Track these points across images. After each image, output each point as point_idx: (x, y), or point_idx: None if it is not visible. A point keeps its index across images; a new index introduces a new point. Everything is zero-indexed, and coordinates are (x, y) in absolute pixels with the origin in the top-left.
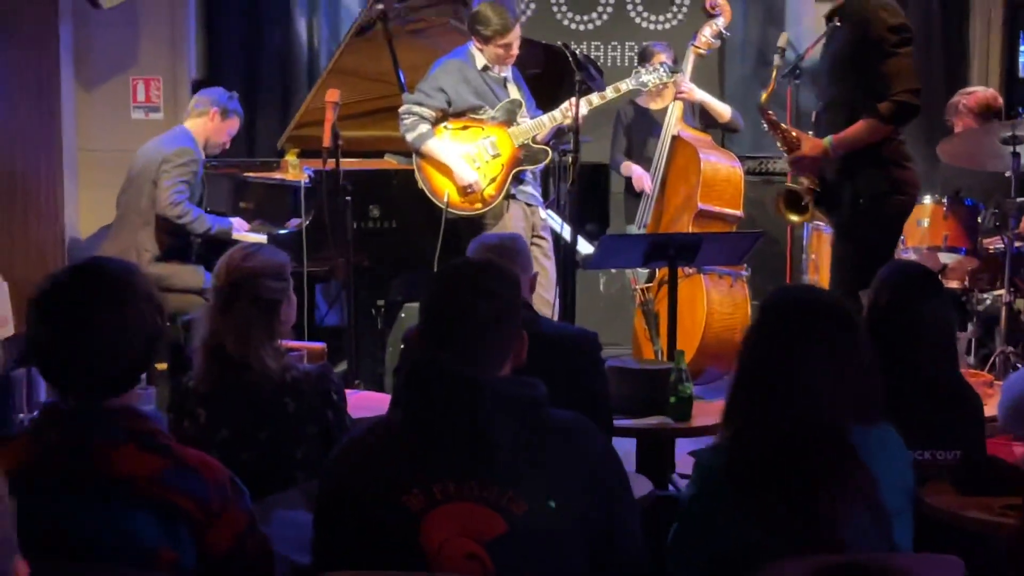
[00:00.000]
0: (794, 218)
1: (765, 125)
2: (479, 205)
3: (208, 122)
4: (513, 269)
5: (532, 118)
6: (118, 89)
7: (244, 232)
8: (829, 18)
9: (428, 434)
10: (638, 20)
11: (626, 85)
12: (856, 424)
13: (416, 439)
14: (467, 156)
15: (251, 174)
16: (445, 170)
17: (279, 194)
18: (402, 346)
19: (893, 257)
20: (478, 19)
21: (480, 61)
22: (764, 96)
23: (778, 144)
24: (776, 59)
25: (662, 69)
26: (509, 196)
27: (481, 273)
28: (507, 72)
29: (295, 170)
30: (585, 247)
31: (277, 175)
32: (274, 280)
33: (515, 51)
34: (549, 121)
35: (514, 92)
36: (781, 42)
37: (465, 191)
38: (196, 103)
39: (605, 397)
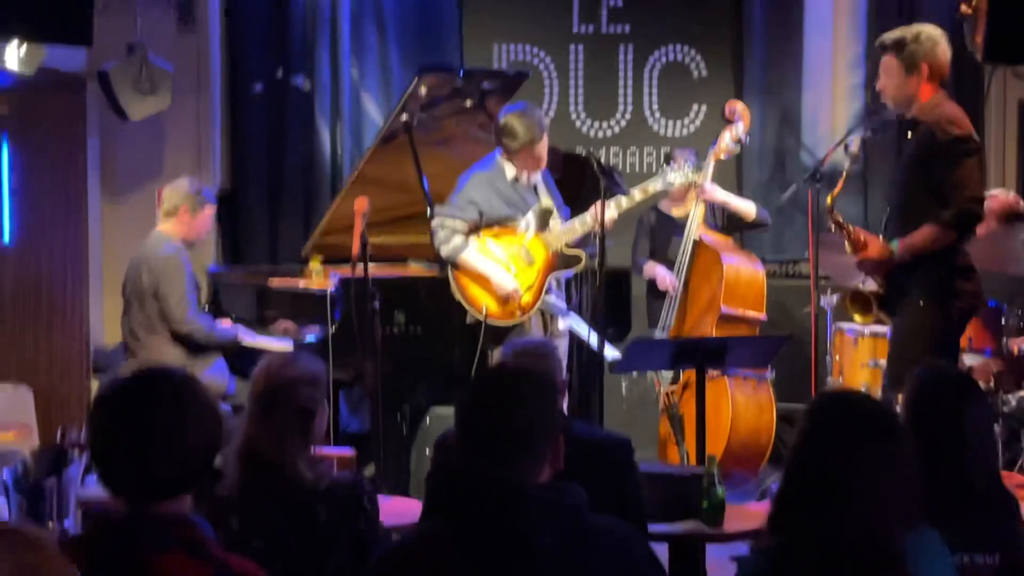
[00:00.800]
0: (859, 318)
1: (832, 226)
2: (518, 314)
3: (179, 223)
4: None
5: (563, 220)
6: (144, 199)
7: (270, 340)
8: (904, 130)
9: (471, 542)
10: (656, 126)
11: (653, 186)
12: (901, 529)
13: (459, 547)
14: (503, 265)
15: (275, 281)
16: (482, 281)
17: (304, 301)
18: (432, 452)
19: (955, 359)
20: (506, 131)
21: (509, 171)
22: (829, 198)
23: (845, 245)
24: (847, 163)
25: (687, 167)
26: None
27: (519, 380)
28: (537, 178)
29: (319, 277)
30: (610, 351)
31: (301, 282)
32: (311, 388)
33: (543, 162)
34: (580, 226)
35: (544, 197)
36: (853, 147)
37: (505, 300)
38: (164, 202)
39: (639, 502)
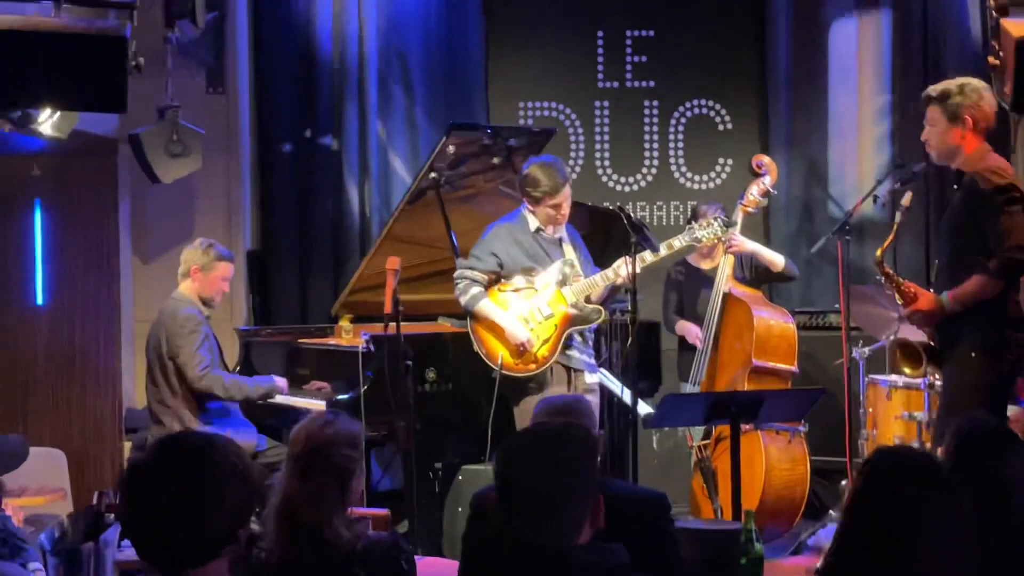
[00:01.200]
0: (908, 371)
1: (881, 279)
2: (533, 366)
3: (193, 283)
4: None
5: (588, 276)
6: (175, 261)
7: (302, 399)
8: (953, 183)
9: None
10: (682, 180)
11: (679, 242)
12: None
13: None
14: (520, 317)
15: (305, 340)
16: (498, 331)
17: (335, 360)
18: (469, 511)
19: (1004, 411)
20: (528, 181)
21: (533, 223)
22: (879, 251)
23: (896, 298)
24: (898, 215)
25: (716, 224)
26: (555, 363)
27: (559, 441)
28: (561, 232)
29: (348, 335)
30: (643, 406)
31: (331, 341)
32: (350, 449)
33: (566, 211)
34: (602, 280)
35: (569, 252)
36: (905, 201)
37: (518, 350)
38: (182, 262)
39: (678, 559)
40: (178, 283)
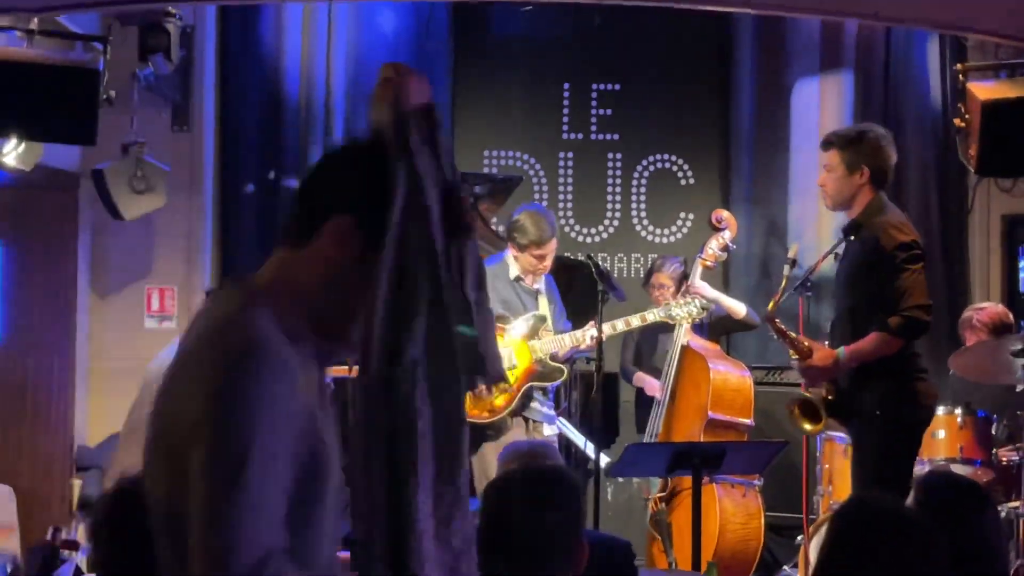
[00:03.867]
0: (808, 427)
1: (774, 334)
2: (487, 414)
3: None
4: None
5: (560, 329)
6: (133, 298)
7: None
8: (846, 233)
9: None
10: (643, 233)
11: (653, 315)
12: None
13: None
14: None
15: None
16: None
17: None
18: None
19: (912, 469)
20: (516, 227)
21: (514, 271)
22: (771, 305)
23: (789, 353)
24: (786, 269)
25: (694, 304)
26: (514, 413)
27: (550, 480)
28: (540, 284)
29: None
30: (602, 457)
31: None
32: None
33: (548, 263)
34: (570, 341)
35: (544, 305)
36: (791, 253)
37: (473, 394)
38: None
39: None
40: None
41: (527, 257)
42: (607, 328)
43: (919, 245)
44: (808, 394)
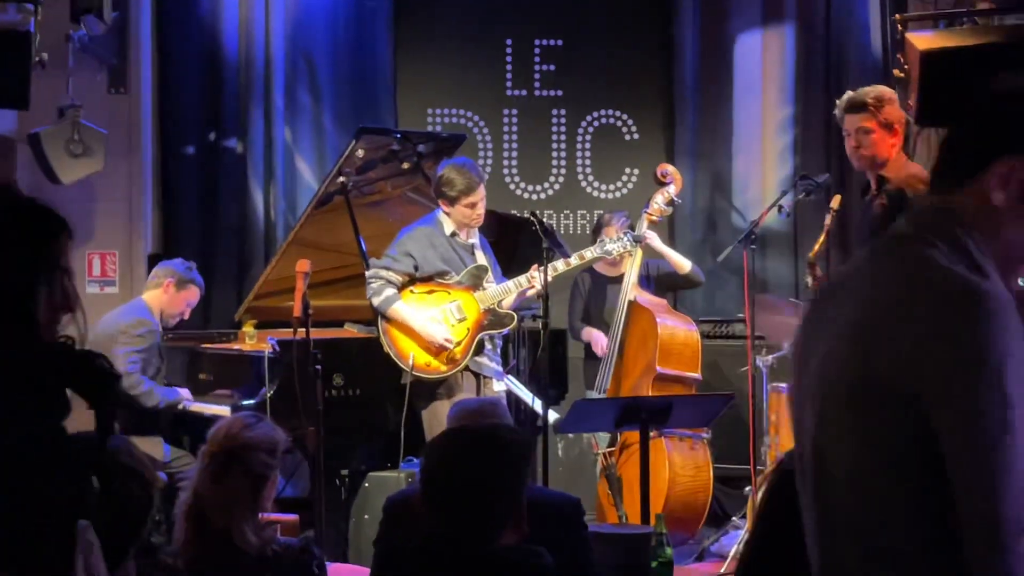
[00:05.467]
0: None
1: (809, 280)
2: (444, 368)
3: (162, 293)
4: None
5: (497, 285)
6: (74, 263)
7: (206, 404)
8: (865, 191)
9: None
10: (589, 189)
11: (591, 253)
12: None
13: None
14: (433, 319)
15: (208, 346)
16: (411, 333)
17: (240, 365)
18: (381, 516)
19: None
20: (443, 181)
21: (448, 227)
22: (812, 253)
23: None
24: (828, 219)
25: (626, 238)
26: (465, 367)
27: (490, 439)
28: (474, 239)
29: (252, 341)
30: (551, 414)
31: (235, 346)
32: (268, 455)
33: (481, 211)
34: (515, 287)
35: (481, 258)
36: (834, 204)
37: (439, 350)
38: (153, 275)
39: (590, 563)
40: (144, 290)
41: (460, 209)
42: (549, 270)
43: None
44: None
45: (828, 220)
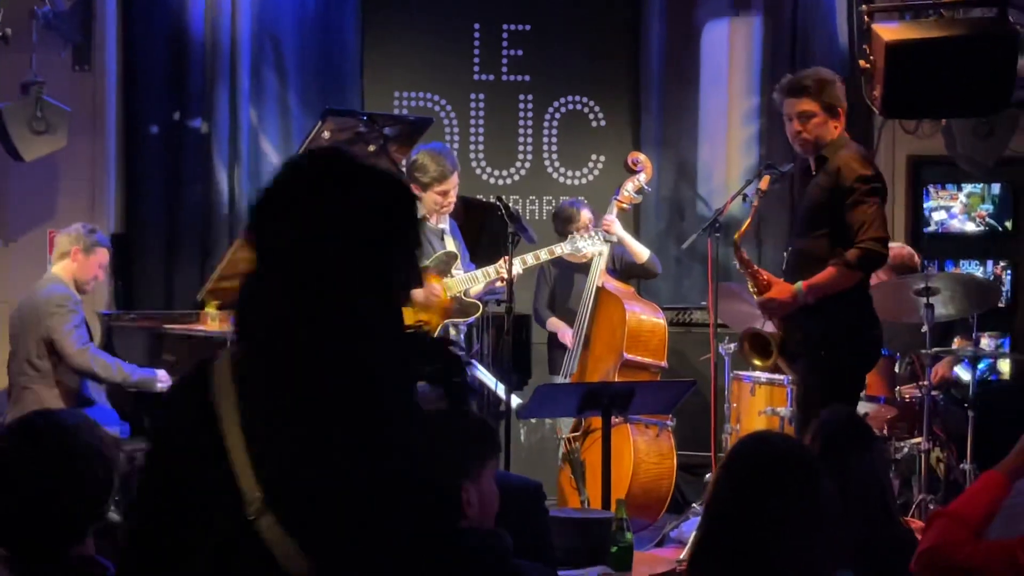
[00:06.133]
0: (757, 362)
1: (737, 263)
2: None
3: (71, 263)
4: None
5: (466, 272)
6: (36, 241)
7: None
8: (806, 171)
9: None
10: (555, 175)
11: (561, 249)
12: (832, 567)
13: None
14: None
15: (171, 326)
16: None
17: (203, 346)
18: None
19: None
20: (416, 167)
21: (418, 211)
22: (737, 235)
23: (748, 285)
24: (755, 199)
25: (597, 236)
26: None
27: (443, 425)
28: (445, 224)
29: (215, 322)
30: (514, 399)
31: (198, 327)
32: None
33: (452, 198)
34: (483, 277)
35: (450, 245)
36: (762, 185)
37: (427, 301)
38: (56, 247)
39: (550, 547)
40: (51, 264)
41: (431, 195)
42: (517, 262)
43: (880, 179)
44: (760, 329)
45: (756, 201)
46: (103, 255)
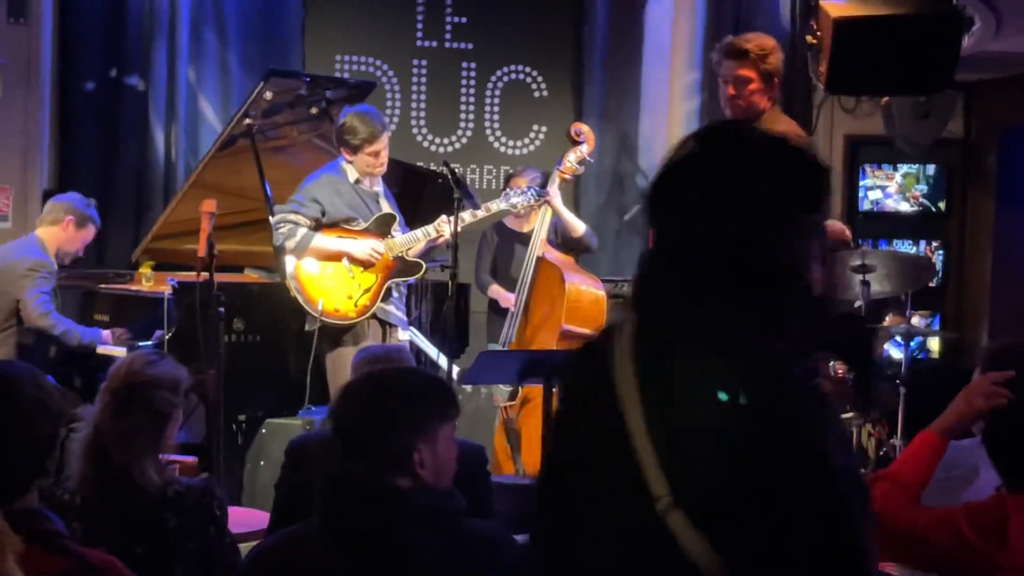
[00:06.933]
0: None
1: None
2: (352, 314)
3: (61, 231)
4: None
5: (403, 233)
6: None
7: (109, 347)
8: None
9: (349, 547)
10: (496, 144)
11: (496, 205)
12: None
13: (336, 552)
14: (341, 265)
15: (105, 286)
16: (321, 279)
17: (137, 306)
18: (284, 460)
19: None
20: (346, 129)
21: (352, 175)
22: None
23: None
24: None
25: (531, 192)
26: (372, 315)
27: (399, 381)
28: (379, 187)
29: (149, 282)
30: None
31: (132, 287)
32: (171, 393)
33: (384, 159)
34: (423, 236)
35: (386, 206)
36: None
37: (370, 260)
38: (50, 210)
39: (492, 509)
40: (37, 225)
41: (363, 157)
42: (457, 220)
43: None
44: None
45: None
46: (91, 232)
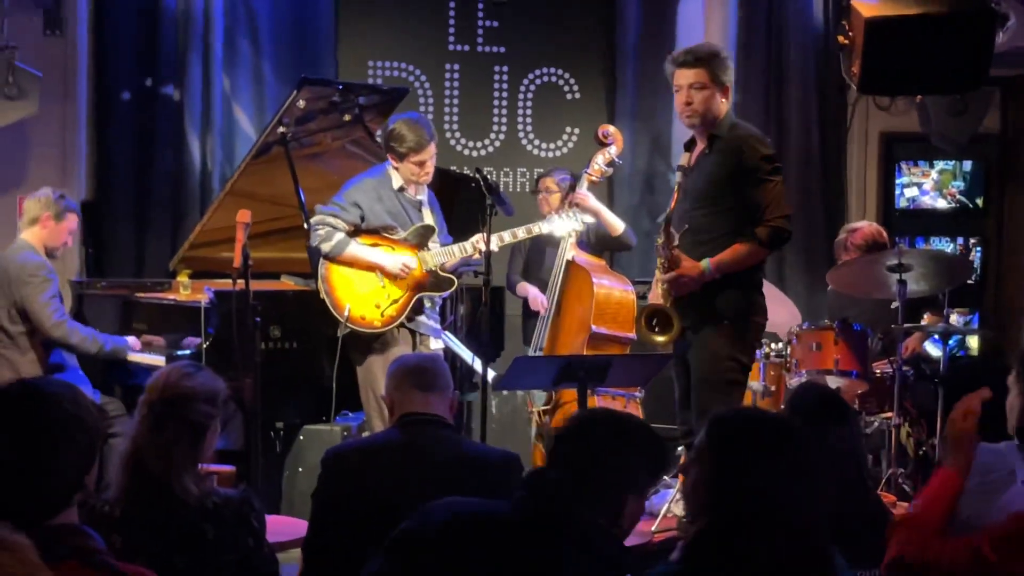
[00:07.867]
0: (658, 339)
1: (662, 237)
2: (378, 324)
3: (41, 229)
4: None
5: (443, 245)
6: (6, 206)
7: (140, 354)
8: (687, 147)
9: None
10: (529, 147)
11: (539, 228)
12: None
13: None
14: (374, 277)
15: (142, 295)
16: (353, 284)
17: (175, 315)
18: (319, 469)
19: (746, 380)
20: (393, 136)
21: (396, 181)
22: (667, 213)
23: (659, 261)
24: (678, 176)
25: (576, 218)
26: (401, 324)
27: (640, 434)
28: (423, 196)
29: (187, 291)
30: (488, 371)
31: (169, 296)
32: (208, 405)
33: (430, 169)
34: (459, 252)
35: (428, 217)
36: (683, 161)
37: (400, 274)
38: (25, 212)
39: None
40: (20, 231)
41: (408, 166)
42: (494, 240)
43: (778, 158)
44: (663, 306)
45: (679, 177)
46: (73, 221)
